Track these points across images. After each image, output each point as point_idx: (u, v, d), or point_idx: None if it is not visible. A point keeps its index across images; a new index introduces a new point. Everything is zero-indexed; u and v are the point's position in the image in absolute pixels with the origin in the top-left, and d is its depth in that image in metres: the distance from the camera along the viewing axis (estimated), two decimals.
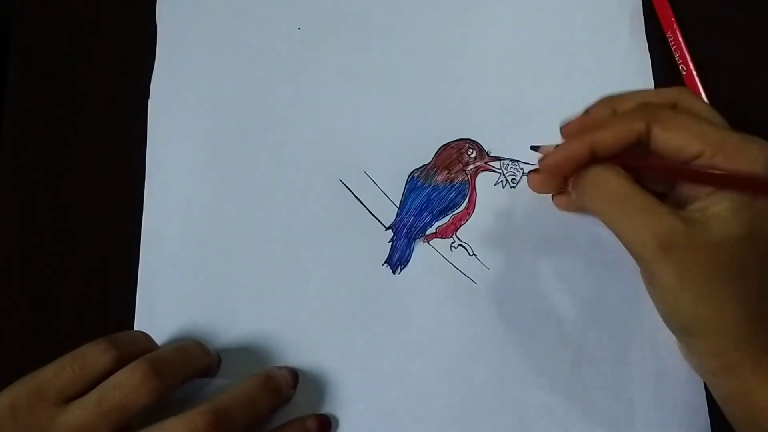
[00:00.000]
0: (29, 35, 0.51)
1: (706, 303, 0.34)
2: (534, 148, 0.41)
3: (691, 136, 0.36)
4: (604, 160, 0.37)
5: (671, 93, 0.39)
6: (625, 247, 0.36)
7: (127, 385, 0.36)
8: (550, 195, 0.44)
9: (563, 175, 0.39)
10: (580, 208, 0.43)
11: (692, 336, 0.36)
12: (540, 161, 0.40)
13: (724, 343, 0.35)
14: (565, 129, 0.40)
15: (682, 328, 0.37)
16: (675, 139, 0.36)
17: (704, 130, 0.36)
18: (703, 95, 0.46)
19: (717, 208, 0.35)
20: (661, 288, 0.36)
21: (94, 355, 0.38)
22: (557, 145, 0.39)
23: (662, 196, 0.38)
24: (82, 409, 0.36)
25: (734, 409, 0.37)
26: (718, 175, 0.36)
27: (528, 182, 0.43)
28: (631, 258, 0.36)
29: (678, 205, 0.37)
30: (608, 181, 0.37)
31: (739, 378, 0.35)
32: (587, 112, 0.40)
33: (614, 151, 0.37)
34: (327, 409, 0.43)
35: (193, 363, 0.40)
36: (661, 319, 0.38)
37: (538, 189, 0.43)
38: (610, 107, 0.39)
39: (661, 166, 0.38)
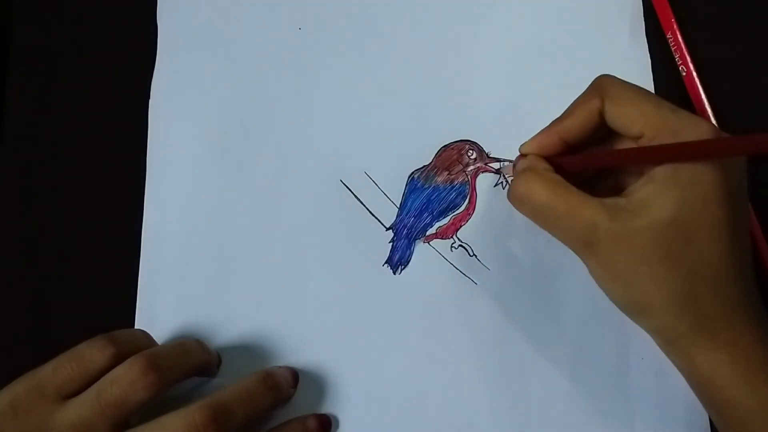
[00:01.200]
0: (29, 35, 0.51)
1: (632, 288, 0.36)
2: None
3: (635, 115, 0.37)
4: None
5: (595, 83, 0.39)
6: None
7: (125, 380, 0.36)
8: None
9: None
10: None
11: (632, 316, 0.38)
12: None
13: (657, 323, 0.37)
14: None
15: (622, 310, 0.38)
16: (621, 116, 0.37)
17: (647, 110, 0.36)
18: (703, 96, 0.46)
19: (641, 194, 0.35)
20: (594, 277, 0.37)
21: (92, 352, 0.38)
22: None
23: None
24: (80, 406, 0.36)
25: (688, 382, 0.38)
26: (626, 152, 0.37)
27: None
28: None
29: (617, 186, 0.39)
30: (530, 193, 0.38)
31: (681, 353, 0.36)
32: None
33: (584, 134, 0.39)
34: (327, 408, 0.43)
35: (191, 359, 0.40)
36: None
37: None
38: (557, 134, 0.39)
39: (577, 160, 0.39)
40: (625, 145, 0.39)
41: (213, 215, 0.46)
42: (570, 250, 0.38)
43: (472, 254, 0.45)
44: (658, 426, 0.42)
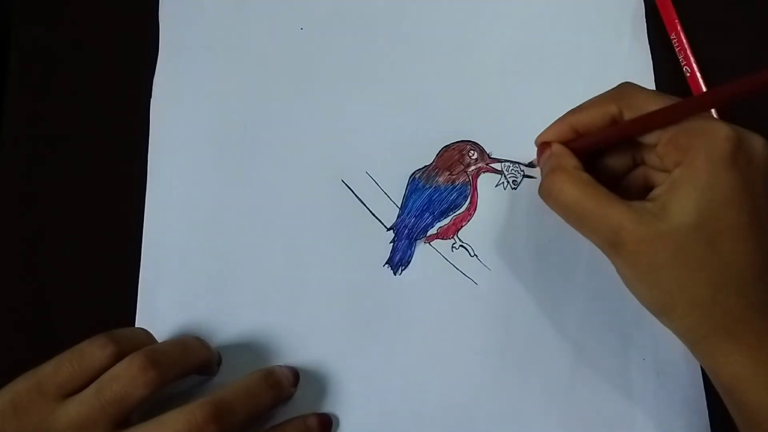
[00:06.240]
0: (29, 35, 0.51)
1: (656, 289, 0.36)
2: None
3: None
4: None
5: (616, 91, 0.40)
6: None
7: (125, 376, 0.36)
8: None
9: None
10: None
11: (657, 316, 0.38)
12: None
13: (681, 325, 0.37)
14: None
15: (649, 310, 0.38)
16: None
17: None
18: None
19: (665, 198, 0.36)
20: (620, 276, 0.38)
21: (93, 350, 0.38)
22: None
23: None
24: (81, 403, 0.36)
25: (714, 384, 0.37)
26: (639, 120, 0.38)
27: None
28: None
29: (644, 187, 0.39)
30: (560, 192, 0.38)
31: (705, 356, 0.36)
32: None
33: (593, 129, 0.39)
34: (328, 408, 0.43)
35: (191, 356, 0.40)
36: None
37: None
38: (569, 124, 0.40)
39: (588, 139, 0.40)
40: (645, 150, 0.39)
41: (214, 214, 0.46)
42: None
43: (473, 255, 0.45)
44: (659, 427, 0.42)
